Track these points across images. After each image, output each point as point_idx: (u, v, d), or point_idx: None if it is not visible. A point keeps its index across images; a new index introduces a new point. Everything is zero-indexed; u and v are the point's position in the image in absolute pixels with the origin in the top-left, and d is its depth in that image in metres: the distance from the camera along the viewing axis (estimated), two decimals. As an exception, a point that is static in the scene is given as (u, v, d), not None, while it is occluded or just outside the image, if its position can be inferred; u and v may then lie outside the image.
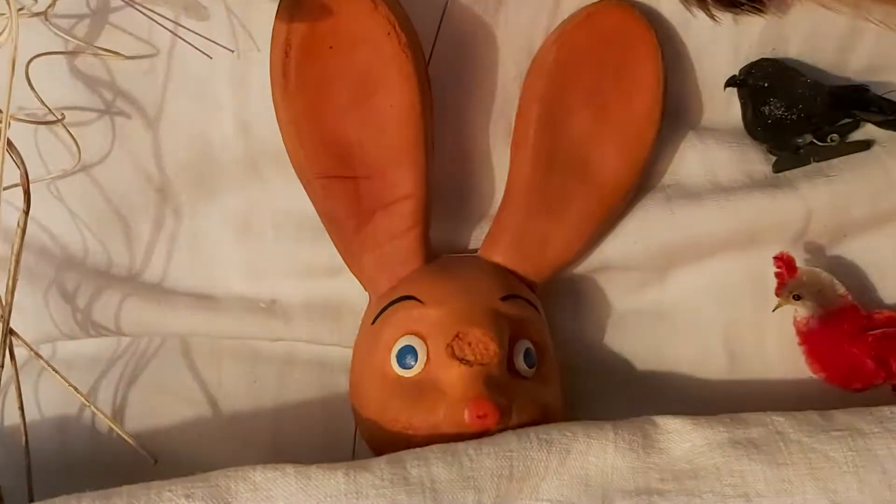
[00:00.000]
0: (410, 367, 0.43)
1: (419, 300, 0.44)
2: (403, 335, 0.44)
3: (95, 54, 0.48)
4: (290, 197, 0.50)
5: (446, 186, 0.51)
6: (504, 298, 0.45)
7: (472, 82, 0.51)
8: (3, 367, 0.44)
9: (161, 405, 0.51)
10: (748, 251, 0.51)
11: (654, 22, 0.50)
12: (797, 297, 0.48)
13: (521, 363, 0.44)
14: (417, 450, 0.40)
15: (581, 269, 0.51)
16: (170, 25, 0.45)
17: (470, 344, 0.43)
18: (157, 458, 0.47)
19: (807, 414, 0.42)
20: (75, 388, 0.47)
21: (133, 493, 0.39)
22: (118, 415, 0.51)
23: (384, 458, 0.40)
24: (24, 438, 0.46)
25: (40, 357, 0.47)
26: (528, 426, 0.42)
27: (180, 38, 0.45)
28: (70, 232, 0.51)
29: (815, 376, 0.49)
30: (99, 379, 0.52)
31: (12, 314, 0.43)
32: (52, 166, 0.49)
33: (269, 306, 0.51)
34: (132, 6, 0.42)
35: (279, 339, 0.52)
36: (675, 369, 0.52)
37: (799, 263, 0.49)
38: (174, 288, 0.52)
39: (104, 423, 0.49)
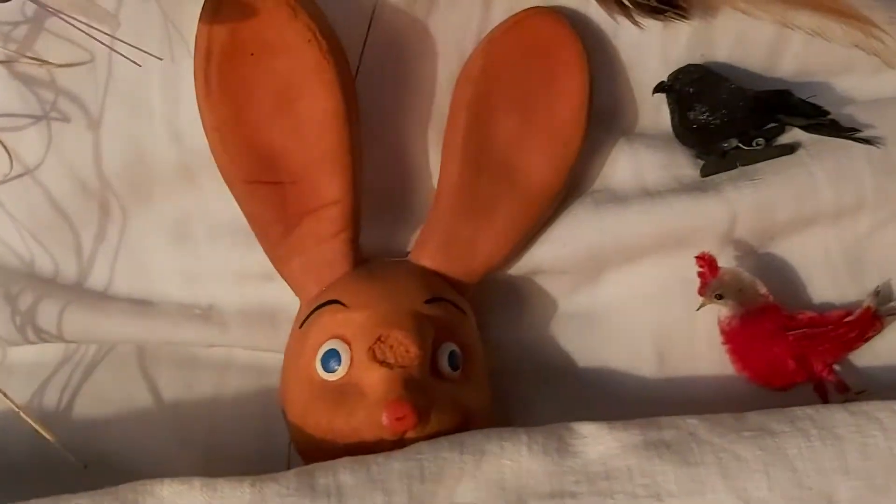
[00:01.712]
0: (335, 371, 0.44)
1: (344, 304, 0.45)
2: (328, 339, 0.44)
3: (27, 62, 0.48)
4: (224, 203, 0.49)
5: (382, 190, 0.51)
6: (428, 301, 0.45)
7: (404, 88, 0.51)
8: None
9: (96, 410, 0.51)
10: (676, 254, 0.51)
11: (583, 29, 0.50)
12: (720, 297, 0.48)
13: (444, 365, 0.44)
14: (328, 462, 0.41)
15: (514, 272, 0.52)
16: (101, 36, 0.45)
17: (391, 347, 0.43)
18: (87, 464, 0.47)
19: (721, 416, 0.42)
20: (4, 394, 0.47)
21: None
22: (57, 420, 0.50)
23: (294, 470, 0.41)
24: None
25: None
26: (448, 427, 0.42)
27: (108, 47, 0.46)
28: (7, 237, 0.51)
29: (739, 375, 0.49)
30: (36, 385, 0.52)
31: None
32: (-14, 174, 0.50)
33: (206, 312, 0.52)
34: (59, 17, 0.43)
35: (215, 345, 0.52)
36: (607, 370, 0.52)
37: (725, 264, 0.49)
38: (111, 294, 0.52)
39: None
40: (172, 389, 0.52)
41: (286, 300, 0.50)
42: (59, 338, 0.52)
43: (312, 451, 0.43)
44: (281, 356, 0.50)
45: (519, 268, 0.51)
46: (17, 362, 0.52)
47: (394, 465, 0.39)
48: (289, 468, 0.47)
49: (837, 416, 0.42)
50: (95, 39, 0.45)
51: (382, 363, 0.42)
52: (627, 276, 0.52)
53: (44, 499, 0.39)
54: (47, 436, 0.47)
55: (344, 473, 0.39)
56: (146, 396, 0.52)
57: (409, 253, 0.50)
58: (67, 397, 0.52)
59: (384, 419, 0.41)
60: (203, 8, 0.44)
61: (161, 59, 0.47)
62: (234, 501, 0.38)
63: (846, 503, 0.40)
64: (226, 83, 0.45)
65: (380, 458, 0.40)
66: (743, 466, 0.40)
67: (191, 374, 0.52)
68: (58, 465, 0.49)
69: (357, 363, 0.43)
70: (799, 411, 0.42)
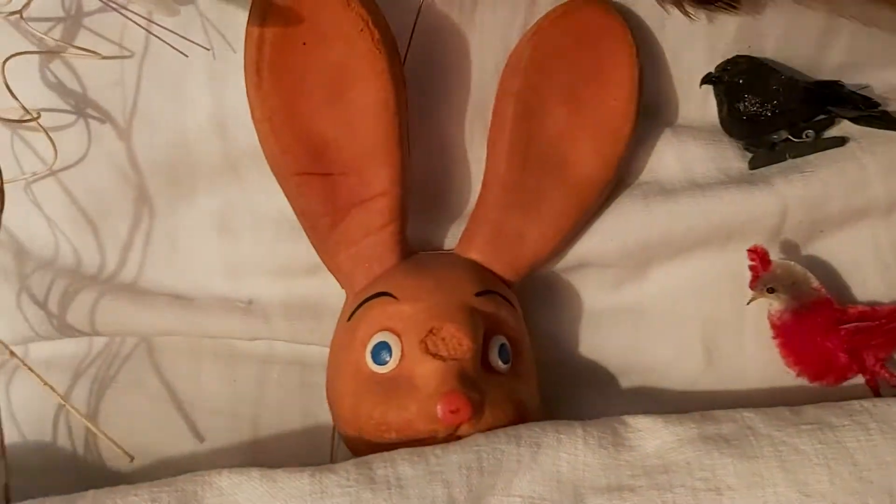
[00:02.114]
0: (385, 363, 0.43)
1: (394, 296, 0.44)
2: (378, 331, 0.44)
3: (71, 54, 0.48)
4: (267, 196, 0.50)
5: (424, 183, 0.51)
6: (479, 294, 0.45)
7: (449, 79, 0.51)
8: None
9: (138, 404, 0.51)
10: (725, 248, 0.51)
11: (630, 19, 0.50)
12: (771, 291, 0.48)
13: (495, 359, 0.44)
14: (385, 453, 0.40)
15: (559, 266, 0.51)
16: (144, 24, 0.45)
17: (444, 339, 0.43)
18: (133, 457, 0.47)
19: (777, 409, 0.42)
20: (52, 388, 0.47)
21: (98, 497, 0.39)
22: (94, 415, 0.50)
23: (352, 461, 0.40)
24: (0, 438, 0.46)
25: (17, 357, 0.47)
26: (501, 421, 0.42)
27: (155, 35, 0.45)
28: (46, 233, 0.51)
29: (790, 370, 0.49)
30: (75, 379, 0.51)
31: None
32: (27, 167, 0.50)
33: (248, 306, 0.51)
34: (107, 5, 0.42)
35: (258, 338, 0.52)
36: (653, 366, 0.52)
37: (774, 258, 0.49)
38: (153, 288, 0.52)
39: (81, 422, 0.49)
40: (214, 382, 0.52)
41: (329, 293, 0.50)
42: (95, 332, 0.51)
43: (363, 444, 0.43)
44: (324, 349, 0.49)
45: (566, 261, 0.51)
46: (58, 355, 0.52)
47: (452, 457, 0.39)
48: (333, 460, 0.47)
49: (894, 409, 0.42)
50: (144, 29, 0.45)
51: (435, 356, 0.42)
52: (675, 269, 0.52)
53: (101, 489, 0.38)
54: (95, 430, 0.47)
55: (403, 465, 0.39)
56: (189, 389, 0.52)
57: (454, 246, 0.50)
58: (109, 391, 0.52)
59: (439, 411, 0.41)
60: (254, 1, 0.44)
61: (208, 49, 0.47)
62: (294, 492, 0.37)
63: (909, 497, 0.39)
64: (277, 73, 0.45)
65: (437, 449, 0.39)
66: (803, 460, 0.40)
67: (233, 367, 0.52)
68: (104, 459, 0.49)
69: (408, 355, 0.43)
70: (856, 405, 0.42)
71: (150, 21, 0.45)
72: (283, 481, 0.38)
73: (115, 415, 0.50)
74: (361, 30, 0.44)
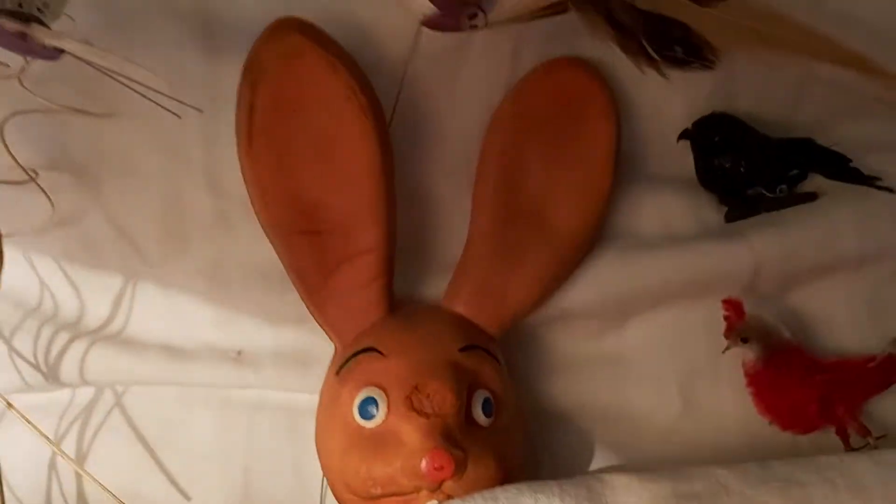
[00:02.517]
0: (372, 418, 0.44)
1: (380, 352, 0.46)
2: (365, 387, 0.45)
3: (68, 113, 0.49)
4: (257, 248, 0.50)
5: (410, 237, 0.52)
6: (463, 349, 0.46)
7: (435, 137, 0.53)
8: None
9: (129, 453, 0.52)
10: (701, 299, 0.52)
11: (609, 78, 0.52)
12: (745, 340, 0.50)
13: (478, 413, 0.45)
14: None
15: (542, 317, 0.53)
16: (140, 88, 0.46)
17: (428, 396, 0.44)
18: (126, 506, 0.48)
19: (748, 465, 0.43)
20: (47, 437, 0.48)
21: None
22: (84, 463, 0.51)
23: None
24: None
25: (11, 406, 0.48)
26: (483, 476, 0.43)
27: (149, 99, 0.47)
28: (41, 287, 0.52)
29: (763, 419, 0.50)
30: (66, 429, 0.52)
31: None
32: (26, 220, 0.51)
33: (238, 355, 0.53)
34: (100, 70, 0.44)
35: (248, 386, 0.53)
36: (632, 412, 0.53)
37: (748, 309, 0.50)
38: (144, 338, 0.53)
39: (72, 473, 0.50)
40: (205, 431, 0.53)
41: (318, 342, 0.51)
42: (86, 382, 0.52)
43: (349, 496, 0.44)
44: (312, 397, 0.51)
45: (546, 312, 0.52)
46: (48, 404, 0.53)
47: (431, 526, 0.40)
48: (322, 504, 0.49)
49: (862, 465, 0.43)
50: (137, 93, 0.46)
51: (420, 412, 0.43)
52: (654, 319, 0.53)
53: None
54: (88, 476, 0.48)
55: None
56: (180, 438, 0.53)
57: (439, 298, 0.51)
58: (103, 439, 0.53)
59: (423, 468, 0.42)
60: (246, 65, 0.46)
61: (201, 111, 0.48)
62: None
63: (873, 552, 0.41)
64: (267, 137, 0.46)
65: None
66: (773, 516, 0.41)
67: (224, 415, 0.53)
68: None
69: (394, 411, 0.44)
70: (824, 460, 0.43)
71: (145, 86, 0.46)
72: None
73: (106, 463, 0.51)
74: (348, 97, 0.46)
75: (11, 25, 0.39)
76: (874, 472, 0.42)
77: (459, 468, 0.42)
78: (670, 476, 0.43)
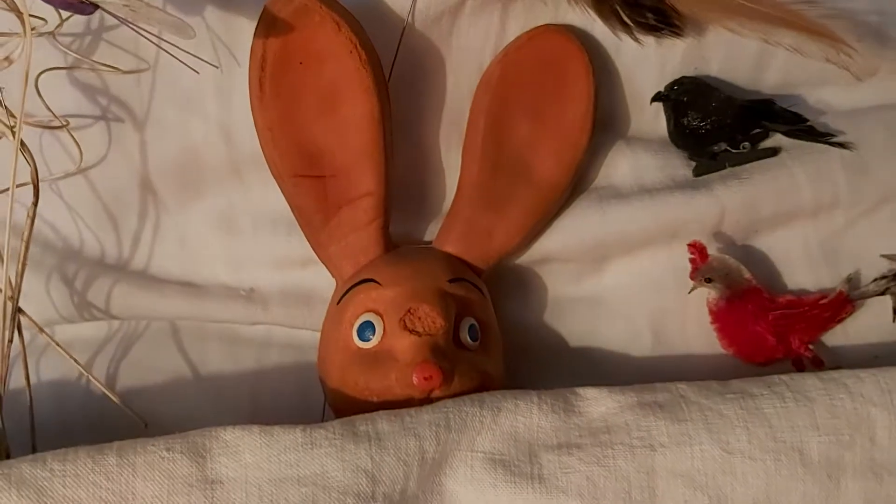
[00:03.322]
0: (369, 340, 0.49)
1: (377, 282, 0.50)
2: (364, 312, 0.50)
3: (96, 69, 0.54)
4: (266, 197, 0.56)
5: (406, 185, 0.57)
6: (451, 281, 0.51)
7: (429, 95, 0.57)
8: (11, 342, 0.50)
9: (150, 381, 0.56)
10: (671, 245, 0.57)
11: (588, 44, 0.56)
12: (709, 280, 0.54)
13: (465, 336, 0.50)
14: (366, 414, 0.46)
15: (525, 260, 0.57)
16: (162, 44, 0.51)
17: (420, 318, 0.49)
18: (147, 422, 0.53)
19: (707, 382, 0.48)
20: (75, 360, 0.53)
21: (122, 447, 0.44)
22: (110, 388, 0.56)
23: (337, 420, 0.46)
24: (29, 408, 0.52)
25: (45, 333, 0.53)
26: (468, 389, 0.48)
27: (171, 55, 0.51)
28: (70, 226, 0.57)
29: (726, 352, 0.55)
30: (93, 358, 0.57)
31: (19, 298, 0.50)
32: (53, 168, 0.56)
33: (249, 294, 0.57)
34: (129, 26, 0.48)
35: (258, 322, 0.58)
36: (607, 348, 0.57)
37: (712, 252, 0.55)
38: (164, 277, 0.58)
39: (99, 395, 0.55)
40: (218, 362, 0.58)
41: (320, 283, 0.56)
42: (112, 315, 0.57)
43: (349, 409, 0.48)
44: (315, 334, 0.55)
45: (530, 256, 0.57)
46: (73, 337, 0.57)
47: (424, 416, 0.45)
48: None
49: (809, 381, 0.48)
50: (159, 48, 0.51)
51: (412, 332, 0.48)
52: (627, 264, 0.58)
53: (124, 441, 0.44)
54: (113, 398, 0.53)
55: (381, 422, 0.45)
56: (193, 368, 0.57)
57: (432, 241, 0.56)
58: (122, 369, 0.57)
59: (414, 378, 0.46)
60: (259, 22, 0.50)
61: (217, 67, 0.53)
62: (288, 443, 0.43)
63: (816, 455, 0.46)
64: (277, 88, 0.51)
65: (412, 410, 0.45)
66: (726, 422, 0.46)
67: (235, 349, 0.58)
68: (118, 427, 0.55)
69: (389, 333, 0.49)
70: (776, 378, 0.48)
71: (165, 41, 0.51)
72: (279, 435, 0.43)
73: (130, 390, 0.56)
74: (351, 51, 0.50)
75: (53, -21, 0.44)
76: (819, 386, 0.47)
77: (447, 379, 0.47)
78: (636, 389, 0.48)
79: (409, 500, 0.44)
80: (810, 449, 0.46)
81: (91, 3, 0.46)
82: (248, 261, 0.58)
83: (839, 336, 0.56)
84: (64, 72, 0.54)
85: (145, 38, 0.50)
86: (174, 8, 0.52)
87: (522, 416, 0.46)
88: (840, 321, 0.55)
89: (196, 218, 0.58)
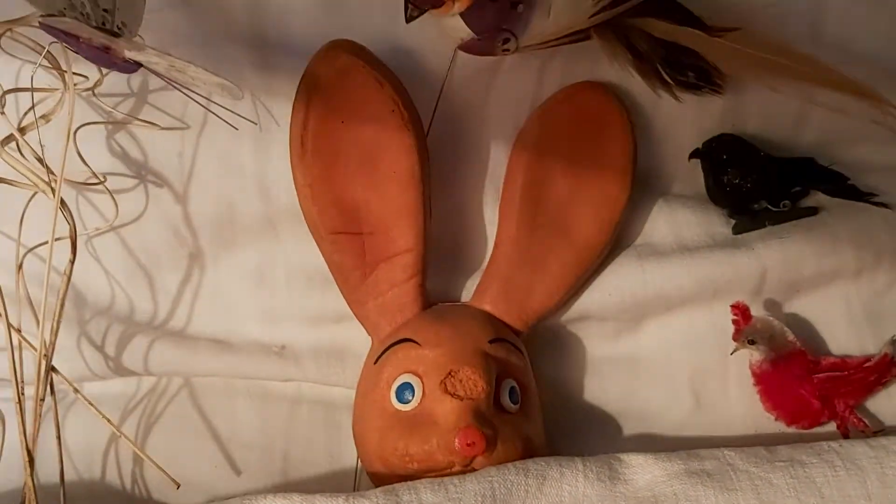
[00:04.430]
0: (408, 402, 0.48)
1: (417, 342, 0.50)
2: (402, 373, 0.49)
3: (135, 125, 0.54)
4: (301, 252, 0.55)
5: (443, 242, 0.56)
6: (492, 341, 0.50)
7: (467, 152, 0.57)
8: (43, 400, 0.49)
9: (178, 438, 0.56)
10: (711, 304, 0.56)
11: (627, 101, 0.56)
12: (752, 342, 0.53)
13: (506, 400, 0.49)
14: (409, 482, 0.45)
15: (563, 318, 0.57)
16: (201, 101, 0.51)
17: (461, 381, 0.48)
18: (179, 483, 0.52)
19: (755, 449, 0.47)
20: (108, 420, 0.52)
21: None
22: (141, 447, 0.55)
23: (380, 489, 0.45)
24: (59, 466, 0.51)
25: (78, 392, 0.52)
26: (511, 455, 0.47)
27: (211, 112, 0.51)
28: (103, 283, 0.57)
29: (769, 415, 0.54)
30: (121, 414, 0.56)
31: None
32: (90, 224, 0.56)
33: (281, 350, 0.57)
34: (172, 85, 0.48)
35: (290, 379, 0.57)
36: (646, 410, 0.56)
37: (755, 313, 0.54)
38: (196, 333, 0.57)
39: (129, 455, 0.54)
40: (248, 420, 0.57)
41: (354, 340, 0.55)
42: (147, 371, 0.57)
43: (387, 475, 0.48)
44: (347, 391, 0.55)
45: (568, 314, 0.56)
46: (101, 393, 0.57)
47: (468, 486, 0.44)
48: (356, 490, 0.52)
49: (859, 449, 0.47)
50: (200, 105, 0.51)
51: (454, 395, 0.47)
52: (666, 323, 0.57)
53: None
54: (143, 455, 0.52)
55: (425, 492, 0.44)
56: (224, 426, 0.57)
57: (469, 299, 0.55)
58: (150, 426, 0.57)
59: (457, 444, 0.46)
60: (302, 80, 0.50)
61: (255, 123, 0.53)
62: (331, 512, 0.42)
63: (869, 526, 0.45)
64: (318, 146, 0.51)
65: (455, 479, 0.44)
66: (776, 492, 0.45)
67: (265, 405, 0.57)
68: (150, 490, 0.54)
69: (429, 395, 0.48)
70: (825, 445, 0.47)
71: (206, 98, 0.51)
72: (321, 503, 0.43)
73: (159, 448, 0.55)
74: (392, 110, 0.50)
75: (99, 39, 0.44)
76: (869, 454, 0.46)
77: (490, 445, 0.46)
78: (682, 456, 0.47)
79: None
80: (864, 520, 0.44)
81: (135, 63, 0.46)
82: (282, 316, 0.57)
83: (883, 400, 0.55)
84: (101, 129, 0.54)
85: (188, 96, 0.50)
86: (213, 68, 0.52)
87: (568, 485, 0.45)
88: (885, 384, 0.54)
89: (230, 274, 0.58)
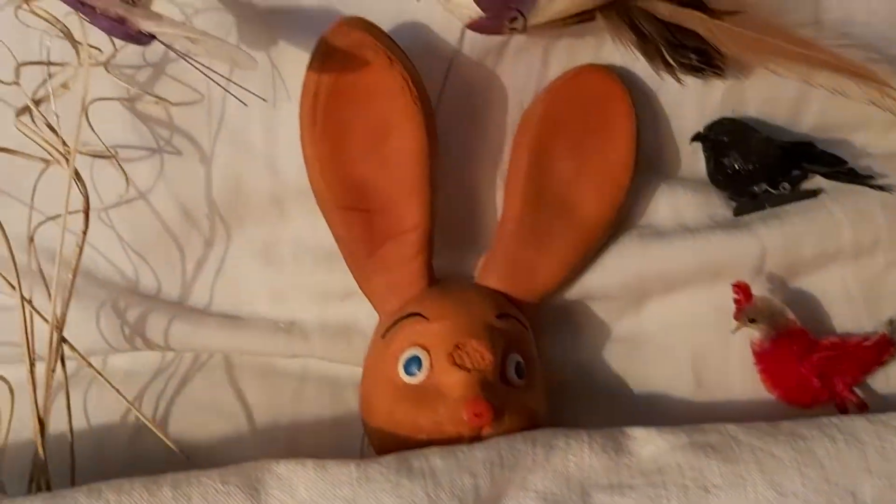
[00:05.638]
0: (415, 375, 0.49)
1: (424, 316, 0.50)
2: (410, 347, 0.50)
3: (145, 100, 0.55)
4: (308, 230, 0.56)
5: (449, 220, 0.57)
6: (498, 316, 0.51)
7: (473, 132, 0.58)
8: (54, 371, 0.50)
9: (185, 413, 0.57)
10: (712, 284, 0.56)
11: (630, 83, 0.57)
12: (752, 321, 0.54)
13: (511, 373, 0.50)
14: (419, 450, 0.46)
15: (566, 298, 0.57)
16: (213, 76, 0.51)
17: (468, 353, 0.48)
18: (189, 456, 0.53)
19: (756, 424, 0.48)
20: (118, 391, 0.52)
21: (176, 479, 0.44)
22: (151, 420, 0.55)
23: (391, 455, 0.45)
24: (69, 436, 0.52)
25: (88, 362, 0.52)
26: (517, 426, 0.48)
27: (221, 87, 0.52)
28: (115, 255, 0.58)
29: (770, 394, 0.55)
30: (130, 389, 0.57)
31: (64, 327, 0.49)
32: (104, 198, 0.56)
33: (289, 327, 0.57)
34: (182, 57, 0.49)
35: (296, 356, 0.58)
36: (648, 389, 0.57)
37: (756, 293, 0.55)
38: (204, 308, 0.58)
39: (138, 426, 0.55)
40: (256, 395, 0.57)
41: (360, 317, 0.56)
42: (154, 346, 0.57)
43: (394, 445, 0.48)
44: (352, 368, 0.55)
45: (571, 294, 0.57)
46: (117, 368, 0.58)
47: (477, 454, 0.44)
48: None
49: (859, 423, 0.47)
50: (211, 80, 0.51)
51: (461, 367, 0.48)
52: (668, 303, 0.58)
53: (178, 473, 0.44)
54: (156, 431, 0.52)
55: (435, 458, 0.44)
56: (231, 401, 0.57)
57: (474, 276, 0.56)
58: (158, 400, 0.57)
59: (465, 415, 0.46)
60: (313, 54, 0.51)
61: (265, 100, 0.54)
62: (343, 477, 0.43)
63: (869, 499, 0.45)
64: (328, 121, 0.51)
65: (464, 447, 0.45)
66: (779, 464, 0.45)
67: (271, 382, 0.58)
68: (158, 462, 0.54)
69: (437, 368, 0.48)
70: (825, 419, 0.48)
71: (216, 72, 0.51)
72: (333, 469, 0.43)
73: (170, 422, 0.56)
74: (402, 87, 0.51)
75: (115, 9, 0.44)
76: (869, 429, 0.47)
77: (497, 416, 0.47)
78: (686, 430, 0.48)
79: (463, 537, 0.44)
80: (863, 492, 0.45)
81: (148, 35, 0.47)
82: (289, 294, 0.58)
83: (881, 380, 0.56)
84: (115, 102, 0.54)
85: (196, 68, 0.50)
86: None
87: (574, 456, 0.46)
88: (883, 364, 0.55)
89: (237, 250, 0.58)
